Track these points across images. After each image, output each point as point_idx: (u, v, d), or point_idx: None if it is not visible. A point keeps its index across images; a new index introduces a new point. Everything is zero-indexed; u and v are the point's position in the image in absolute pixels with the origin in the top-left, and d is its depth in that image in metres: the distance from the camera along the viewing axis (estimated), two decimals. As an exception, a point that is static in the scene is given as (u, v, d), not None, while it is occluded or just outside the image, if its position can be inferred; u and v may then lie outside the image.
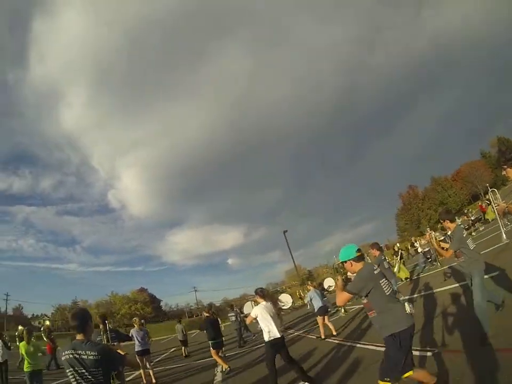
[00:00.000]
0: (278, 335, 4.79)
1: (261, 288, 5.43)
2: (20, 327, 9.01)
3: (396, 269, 12.15)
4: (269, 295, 5.44)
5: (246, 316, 8.37)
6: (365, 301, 3.00)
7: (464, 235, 4.30)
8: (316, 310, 8.59)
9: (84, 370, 2.37)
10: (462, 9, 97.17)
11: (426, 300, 7.88)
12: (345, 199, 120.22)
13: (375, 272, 2.94)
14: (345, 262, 3.12)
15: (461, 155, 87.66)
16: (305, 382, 4.57)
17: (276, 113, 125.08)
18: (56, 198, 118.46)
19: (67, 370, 2.40)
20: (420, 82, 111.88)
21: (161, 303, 73.34)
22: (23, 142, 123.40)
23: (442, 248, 4.86)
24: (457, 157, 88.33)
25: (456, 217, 18.60)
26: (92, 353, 2.40)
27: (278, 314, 5.45)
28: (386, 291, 2.85)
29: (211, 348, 7.56)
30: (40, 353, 6.63)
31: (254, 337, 12.51)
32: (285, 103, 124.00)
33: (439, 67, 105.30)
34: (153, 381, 7.41)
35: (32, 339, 6.51)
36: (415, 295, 8.92)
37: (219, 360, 7.38)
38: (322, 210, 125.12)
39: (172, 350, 15.49)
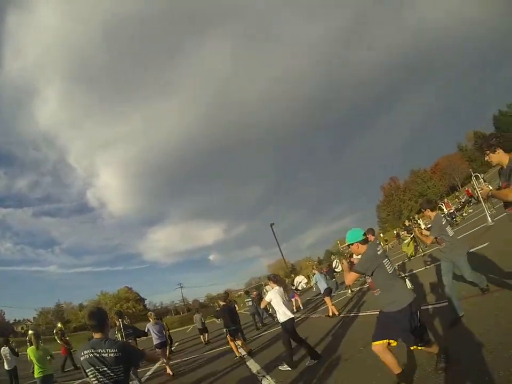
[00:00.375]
0: (291, 316, 5.51)
1: (273, 274, 6.20)
2: (29, 331, 8.84)
3: (405, 243, 13.33)
4: (281, 280, 6.11)
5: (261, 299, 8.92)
6: (369, 280, 3.17)
7: (443, 223, 4.57)
8: (322, 292, 9.58)
9: (105, 368, 2.40)
10: (445, 4, 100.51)
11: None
12: (327, 193, 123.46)
13: (379, 252, 3.11)
14: (352, 244, 3.30)
15: (439, 148, 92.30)
16: (313, 359, 5.16)
17: (258, 107, 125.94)
18: (33, 199, 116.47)
19: (87, 370, 2.42)
20: (401, 78, 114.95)
21: (146, 302, 73.18)
22: None
23: (424, 235, 5.35)
24: (435, 150, 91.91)
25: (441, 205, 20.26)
26: (112, 350, 2.44)
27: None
28: (388, 270, 3.04)
29: (228, 335, 7.86)
30: (49, 357, 6.45)
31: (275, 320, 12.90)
32: (267, 97, 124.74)
33: (419, 62, 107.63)
34: (170, 372, 7.68)
35: (40, 343, 6.39)
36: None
37: (234, 347, 7.72)
38: (304, 204, 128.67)
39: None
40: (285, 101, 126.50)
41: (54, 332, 11.88)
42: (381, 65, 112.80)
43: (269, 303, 5.82)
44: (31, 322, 66.05)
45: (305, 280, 17.50)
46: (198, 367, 8.27)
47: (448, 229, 4.55)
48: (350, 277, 3.22)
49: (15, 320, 65.07)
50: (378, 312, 3.19)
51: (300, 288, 16.50)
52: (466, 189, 25.90)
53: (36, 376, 6.09)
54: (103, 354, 2.40)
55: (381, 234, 32.60)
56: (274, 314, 8.34)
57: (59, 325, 10.55)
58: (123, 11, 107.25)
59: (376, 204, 76.04)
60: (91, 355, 2.42)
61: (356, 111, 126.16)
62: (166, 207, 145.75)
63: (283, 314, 5.49)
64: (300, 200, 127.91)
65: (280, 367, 5.45)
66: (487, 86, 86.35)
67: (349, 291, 12.18)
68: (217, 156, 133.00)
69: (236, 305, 10.85)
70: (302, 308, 13.85)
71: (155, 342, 7.80)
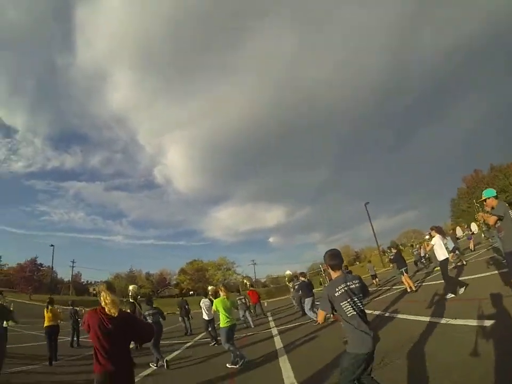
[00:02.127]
0: (447, 256, 7.99)
1: (436, 226, 8.31)
2: (210, 287, 10.91)
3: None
4: (442, 231, 8.21)
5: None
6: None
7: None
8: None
9: (355, 299, 2.82)
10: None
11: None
12: (390, 185, 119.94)
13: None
14: (489, 198, 4.96)
15: None
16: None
17: (322, 93, 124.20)
18: (105, 174, 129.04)
19: (343, 302, 2.77)
20: (477, 62, 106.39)
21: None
22: (74, 122, 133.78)
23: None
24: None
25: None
26: (355, 281, 2.91)
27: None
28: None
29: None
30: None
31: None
32: (331, 83, 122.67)
33: (497, 44, 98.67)
34: None
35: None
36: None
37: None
38: (367, 194, 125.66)
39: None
40: (351, 87, 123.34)
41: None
42: (452, 50, 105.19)
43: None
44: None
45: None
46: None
47: None
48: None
49: (87, 281, 74.63)
50: None
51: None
52: None
53: (221, 326, 6.41)
54: (351, 286, 2.85)
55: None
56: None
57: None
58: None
59: (451, 197, 74.72)
60: (345, 288, 2.84)
61: (421, 101, 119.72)
62: (230, 188, 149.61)
63: (442, 255, 7.74)
64: (362, 190, 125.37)
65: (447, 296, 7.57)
66: None
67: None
68: (282, 139, 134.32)
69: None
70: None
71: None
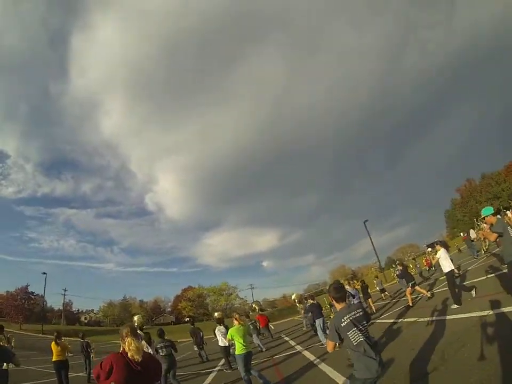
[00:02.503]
0: (452, 267, 8.84)
1: (440, 240, 8.62)
2: (216, 313, 10.68)
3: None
4: (445, 244, 8.61)
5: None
6: None
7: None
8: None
9: (360, 326, 3.01)
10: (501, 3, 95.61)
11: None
12: (381, 203, 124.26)
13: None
14: (488, 216, 5.67)
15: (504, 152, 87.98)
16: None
17: (313, 118, 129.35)
18: (95, 201, 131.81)
19: (349, 332, 2.96)
20: (459, 81, 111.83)
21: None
22: (65, 148, 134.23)
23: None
24: (497, 156, 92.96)
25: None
26: (359, 310, 3.16)
27: None
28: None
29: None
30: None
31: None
32: (321, 108, 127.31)
33: (478, 64, 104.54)
34: None
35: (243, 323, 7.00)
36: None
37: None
38: (359, 214, 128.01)
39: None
40: (339, 110, 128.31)
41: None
42: (436, 69, 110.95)
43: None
44: (95, 313, 73.47)
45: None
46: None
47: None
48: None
49: (78, 310, 72.82)
50: None
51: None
52: None
53: (237, 353, 6.43)
54: (355, 315, 3.06)
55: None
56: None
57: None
58: (183, 26, 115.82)
59: (445, 209, 78.36)
60: (350, 318, 3.03)
61: (410, 119, 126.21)
62: (222, 214, 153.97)
63: (448, 267, 8.71)
64: (353, 210, 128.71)
65: (452, 307, 7.91)
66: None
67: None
68: (273, 165, 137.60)
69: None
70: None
71: None
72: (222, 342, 9.56)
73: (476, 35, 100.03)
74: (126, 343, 2.77)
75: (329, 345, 3.27)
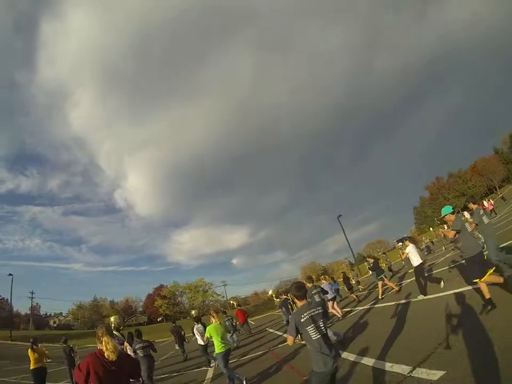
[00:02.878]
0: (421, 261, 9.47)
1: (409, 236, 9.21)
2: (193, 311, 10.45)
3: None
4: (414, 239, 9.21)
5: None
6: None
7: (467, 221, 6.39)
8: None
9: (319, 323, 3.25)
10: (469, 6, 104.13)
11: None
12: (350, 201, 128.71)
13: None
14: (447, 215, 5.93)
15: (470, 152, 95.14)
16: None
17: (281, 116, 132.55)
18: (63, 198, 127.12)
19: (308, 327, 3.18)
20: (426, 82, 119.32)
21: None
22: (31, 142, 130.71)
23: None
24: (463, 155, 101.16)
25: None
26: (318, 308, 3.37)
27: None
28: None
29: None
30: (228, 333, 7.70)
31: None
32: (291, 105, 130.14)
33: (445, 66, 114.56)
34: None
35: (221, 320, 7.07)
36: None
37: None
38: (327, 210, 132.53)
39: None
40: (309, 109, 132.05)
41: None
42: (405, 70, 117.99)
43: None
44: (63, 316, 71.16)
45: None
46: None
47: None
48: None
49: (46, 313, 70.22)
50: None
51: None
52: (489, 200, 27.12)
53: (216, 352, 6.47)
54: (315, 312, 3.29)
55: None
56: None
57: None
58: (154, 20, 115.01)
59: (414, 206, 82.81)
60: (310, 315, 3.27)
61: (379, 118, 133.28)
62: (192, 211, 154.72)
63: (416, 261, 9.42)
64: (322, 207, 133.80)
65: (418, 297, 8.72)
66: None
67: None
68: (243, 162, 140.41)
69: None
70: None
71: None
72: (200, 340, 9.77)
73: (444, 38, 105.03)
74: (103, 343, 2.86)
75: (289, 339, 3.51)
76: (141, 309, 77.49)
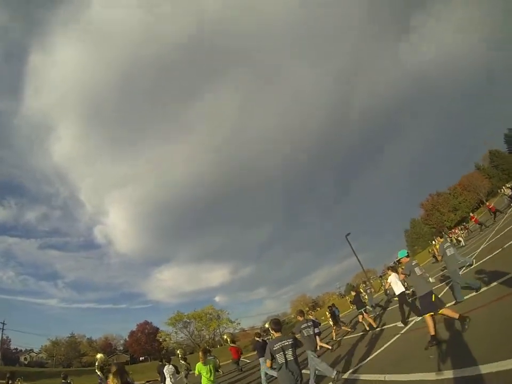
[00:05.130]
0: (403, 289, 10.49)
1: (392, 266, 9.96)
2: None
3: None
4: (397, 269, 9.92)
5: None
6: None
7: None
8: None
9: (286, 352, 4.51)
10: (439, 44, 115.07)
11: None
12: (332, 235, 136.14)
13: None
14: (402, 258, 6.93)
15: (453, 171, 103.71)
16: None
17: (265, 152, 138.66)
18: (40, 231, 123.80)
19: (278, 354, 4.47)
20: (404, 112, 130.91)
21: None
22: (11, 172, 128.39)
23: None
24: (447, 175, 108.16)
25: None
26: (289, 340, 4.65)
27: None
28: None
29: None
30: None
31: None
32: (273, 142, 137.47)
33: (421, 96, 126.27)
34: None
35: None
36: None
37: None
38: (310, 247, 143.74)
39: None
40: (291, 145, 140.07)
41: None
42: (383, 101, 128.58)
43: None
44: (35, 352, 67.60)
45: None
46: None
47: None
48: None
49: (16, 349, 66.51)
50: None
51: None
52: (472, 215, 29.97)
53: None
54: (285, 343, 4.59)
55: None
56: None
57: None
58: (142, 57, 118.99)
59: (404, 229, 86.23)
60: (281, 345, 4.55)
61: (358, 150, 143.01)
62: (173, 248, 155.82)
63: (398, 290, 10.31)
64: (305, 242, 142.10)
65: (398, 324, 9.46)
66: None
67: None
68: (224, 199, 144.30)
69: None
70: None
71: None
72: (169, 382, 10.28)
73: (423, 71, 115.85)
74: (110, 380, 3.42)
75: (267, 363, 4.70)
76: (121, 348, 74.92)
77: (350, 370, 7.11)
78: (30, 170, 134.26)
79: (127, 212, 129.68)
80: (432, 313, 6.03)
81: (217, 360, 14.51)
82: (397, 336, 8.44)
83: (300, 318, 8.07)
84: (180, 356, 17.25)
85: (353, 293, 15.25)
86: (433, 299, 6.19)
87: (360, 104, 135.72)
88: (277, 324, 4.94)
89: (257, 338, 11.40)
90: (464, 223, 44.64)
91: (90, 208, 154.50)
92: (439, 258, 9.09)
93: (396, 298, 13.13)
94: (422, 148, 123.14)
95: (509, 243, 11.25)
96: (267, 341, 12.43)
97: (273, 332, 4.96)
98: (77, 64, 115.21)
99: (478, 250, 14.79)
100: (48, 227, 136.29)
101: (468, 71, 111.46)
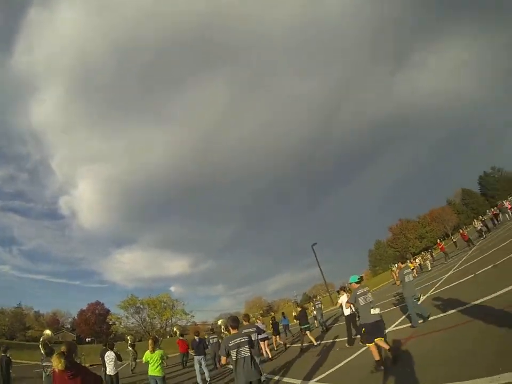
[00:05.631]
0: (351, 313, 10.63)
1: (343, 286, 10.60)
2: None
3: None
4: (348, 291, 10.54)
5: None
6: None
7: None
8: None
9: (241, 349, 4.67)
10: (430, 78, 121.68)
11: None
12: (299, 243, 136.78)
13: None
14: (352, 283, 6.89)
15: (424, 201, 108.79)
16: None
17: (243, 152, 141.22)
18: (4, 192, 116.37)
19: (233, 351, 4.60)
20: (386, 139, 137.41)
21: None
22: None
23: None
24: (418, 204, 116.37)
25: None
26: (245, 337, 4.79)
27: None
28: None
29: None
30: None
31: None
32: (253, 144, 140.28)
33: (401, 127, 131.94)
34: None
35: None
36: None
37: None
38: (274, 251, 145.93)
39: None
40: (271, 149, 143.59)
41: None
42: (367, 124, 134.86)
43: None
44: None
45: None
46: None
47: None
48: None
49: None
50: None
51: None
52: (439, 242, 31.79)
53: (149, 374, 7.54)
54: (241, 340, 4.73)
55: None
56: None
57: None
58: (139, 36, 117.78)
59: (369, 249, 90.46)
60: (236, 342, 4.70)
61: (336, 167, 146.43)
62: (137, 232, 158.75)
63: (347, 311, 10.54)
64: (270, 247, 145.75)
65: (346, 345, 9.78)
66: (473, 148, 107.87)
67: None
68: (195, 192, 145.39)
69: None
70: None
71: None
72: (109, 369, 10.21)
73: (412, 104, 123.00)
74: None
75: (222, 359, 4.84)
76: (68, 326, 73.10)
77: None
78: (5, 126, 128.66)
79: (97, 188, 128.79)
80: (370, 342, 6.25)
81: (165, 351, 14.75)
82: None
83: (245, 323, 8.07)
84: (129, 342, 17.52)
85: (298, 308, 14.50)
86: (362, 331, 6.61)
87: (344, 123, 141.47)
88: (235, 320, 5.14)
89: (195, 337, 11.49)
90: (430, 250, 47.84)
91: (60, 177, 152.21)
92: (398, 283, 9.66)
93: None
94: (398, 176, 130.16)
95: (481, 270, 11.46)
96: (218, 339, 12.96)
97: (230, 328, 5.15)
98: (75, 27, 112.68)
99: (446, 275, 15.55)
100: (12, 189, 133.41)
101: (459, 112, 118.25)
